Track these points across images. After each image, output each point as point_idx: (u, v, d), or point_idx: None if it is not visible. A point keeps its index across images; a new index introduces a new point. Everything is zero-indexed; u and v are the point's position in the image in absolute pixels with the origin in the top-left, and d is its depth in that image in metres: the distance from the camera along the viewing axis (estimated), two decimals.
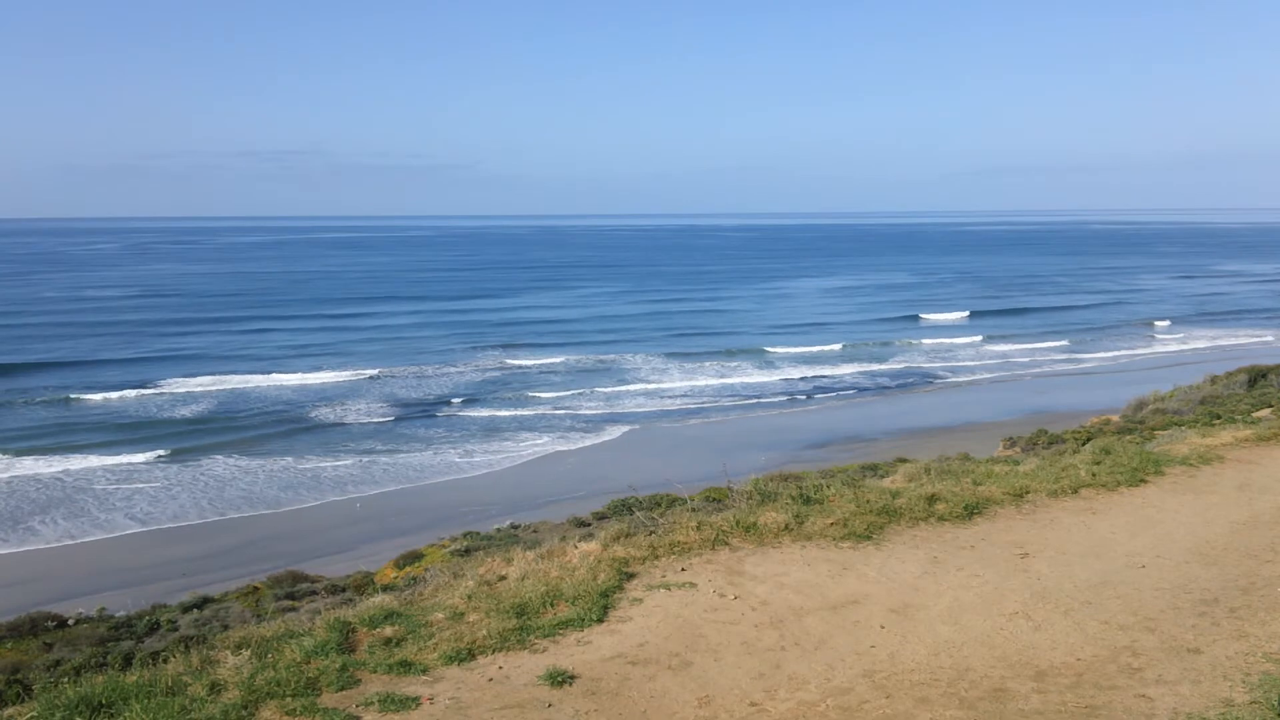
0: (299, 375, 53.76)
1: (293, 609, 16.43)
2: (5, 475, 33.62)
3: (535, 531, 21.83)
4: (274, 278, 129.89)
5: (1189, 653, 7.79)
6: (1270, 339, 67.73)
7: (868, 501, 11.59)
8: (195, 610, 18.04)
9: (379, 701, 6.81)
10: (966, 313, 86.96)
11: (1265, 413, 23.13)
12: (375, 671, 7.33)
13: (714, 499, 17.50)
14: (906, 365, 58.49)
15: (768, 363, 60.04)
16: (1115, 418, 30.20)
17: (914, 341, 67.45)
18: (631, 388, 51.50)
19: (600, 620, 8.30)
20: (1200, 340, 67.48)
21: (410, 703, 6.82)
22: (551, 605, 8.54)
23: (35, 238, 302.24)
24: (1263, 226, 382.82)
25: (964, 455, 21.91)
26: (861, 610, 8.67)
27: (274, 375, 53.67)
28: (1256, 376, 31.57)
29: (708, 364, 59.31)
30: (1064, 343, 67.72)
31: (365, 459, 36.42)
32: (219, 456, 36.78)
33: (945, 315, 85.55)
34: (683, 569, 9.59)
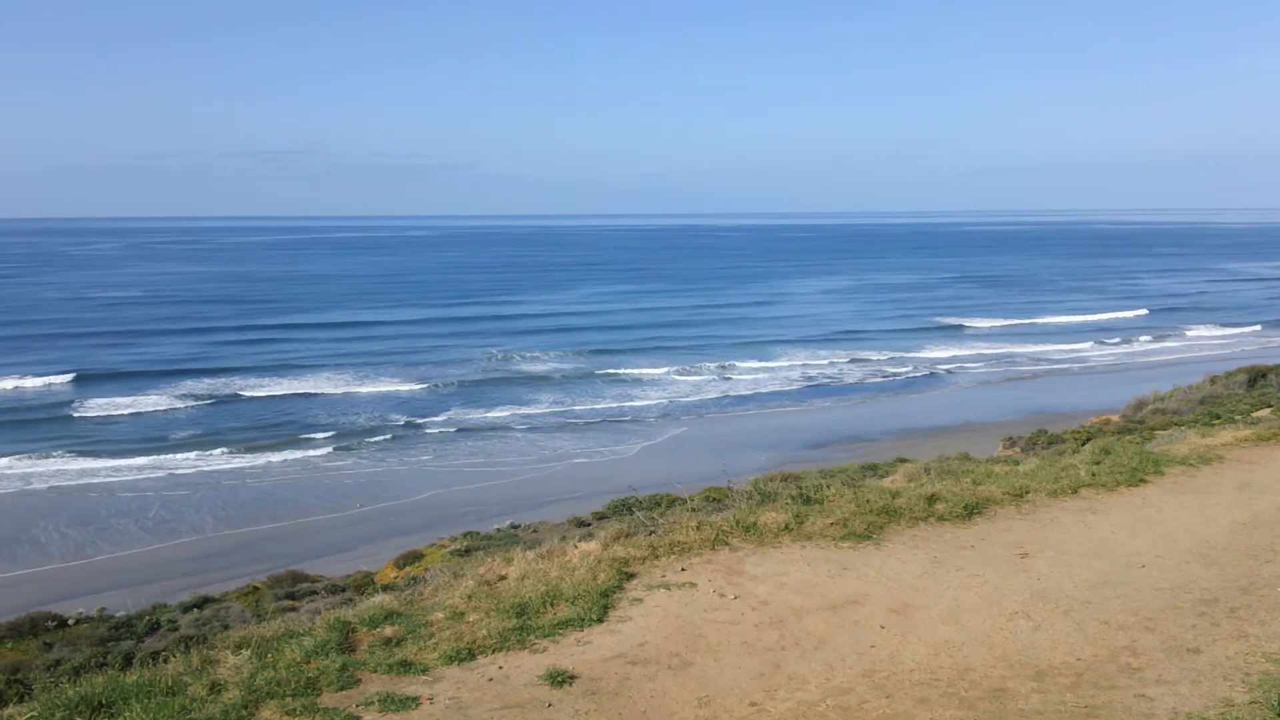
0: (303, 381, 53.59)
1: (293, 609, 16.46)
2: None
3: (535, 531, 21.86)
4: (274, 279, 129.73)
5: (1189, 653, 7.79)
6: None
7: (868, 501, 11.58)
8: (195, 610, 18.07)
9: (379, 701, 6.81)
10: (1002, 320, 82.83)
11: (1265, 413, 23.14)
12: (375, 671, 7.33)
13: (714, 499, 17.51)
14: (913, 368, 58.32)
15: (770, 364, 60.06)
16: (1115, 418, 30.20)
17: (925, 352, 66.45)
18: (634, 390, 51.51)
19: (600, 620, 8.30)
20: None
21: (410, 703, 6.82)
22: (551, 605, 8.54)
23: (36, 238, 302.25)
24: (1270, 226, 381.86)
25: (964, 455, 21.89)
26: (861, 610, 8.67)
27: (275, 380, 53.55)
28: (1256, 376, 31.57)
29: (710, 366, 59.31)
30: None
31: (371, 464, 36.38)
32: (222, 460, 36.76)
33: (980, 321, 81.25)
34: (683, 569, 9.59)
